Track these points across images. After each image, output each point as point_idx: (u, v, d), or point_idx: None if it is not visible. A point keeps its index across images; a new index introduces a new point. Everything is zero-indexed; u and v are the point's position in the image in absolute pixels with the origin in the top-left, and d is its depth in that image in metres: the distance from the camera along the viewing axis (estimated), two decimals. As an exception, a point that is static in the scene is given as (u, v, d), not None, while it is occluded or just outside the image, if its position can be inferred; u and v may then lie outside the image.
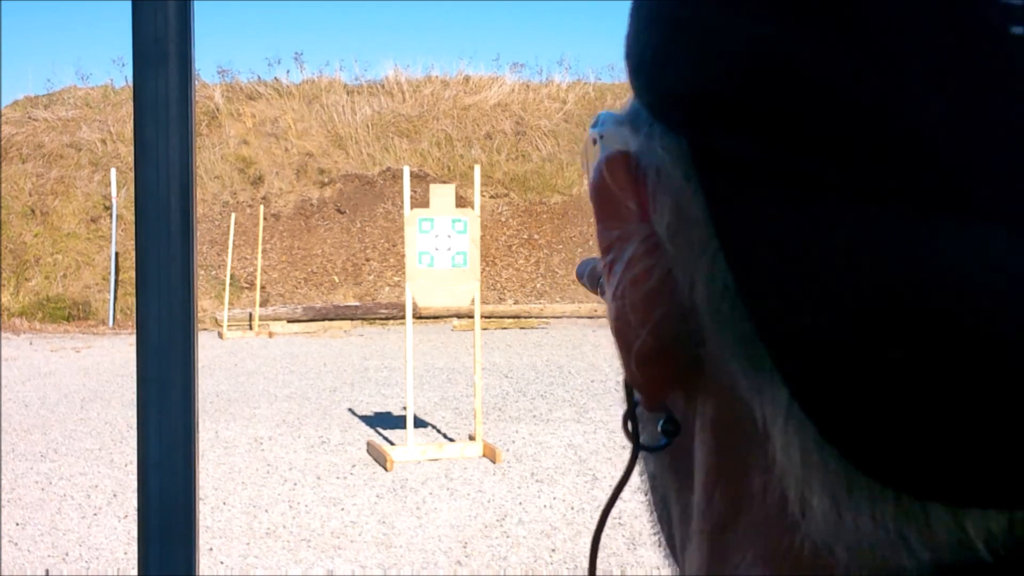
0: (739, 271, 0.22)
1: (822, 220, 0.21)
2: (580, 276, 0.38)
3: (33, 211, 17.42)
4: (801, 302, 0.21)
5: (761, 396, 0.23)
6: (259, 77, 21.51)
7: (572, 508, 5.20)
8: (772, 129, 0.22)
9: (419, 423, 7.19)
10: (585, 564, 4.40)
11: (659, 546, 0.35)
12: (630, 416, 0.29)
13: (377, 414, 7.86)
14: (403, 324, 7.76)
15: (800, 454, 0.23)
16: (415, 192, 12.32)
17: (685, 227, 0.25)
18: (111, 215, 16.79)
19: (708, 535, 0.27)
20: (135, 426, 1.09)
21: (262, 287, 15.80)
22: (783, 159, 0.22)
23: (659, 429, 0.29)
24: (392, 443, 6.58)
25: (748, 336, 0.23)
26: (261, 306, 15.14)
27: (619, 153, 0.27)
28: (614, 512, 5.48)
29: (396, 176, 18.36)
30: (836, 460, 0.22)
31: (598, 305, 16.51)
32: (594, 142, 0.30)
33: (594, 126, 0.31)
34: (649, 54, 0.26)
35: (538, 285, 17.20)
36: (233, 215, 15.97)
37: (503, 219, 18.41)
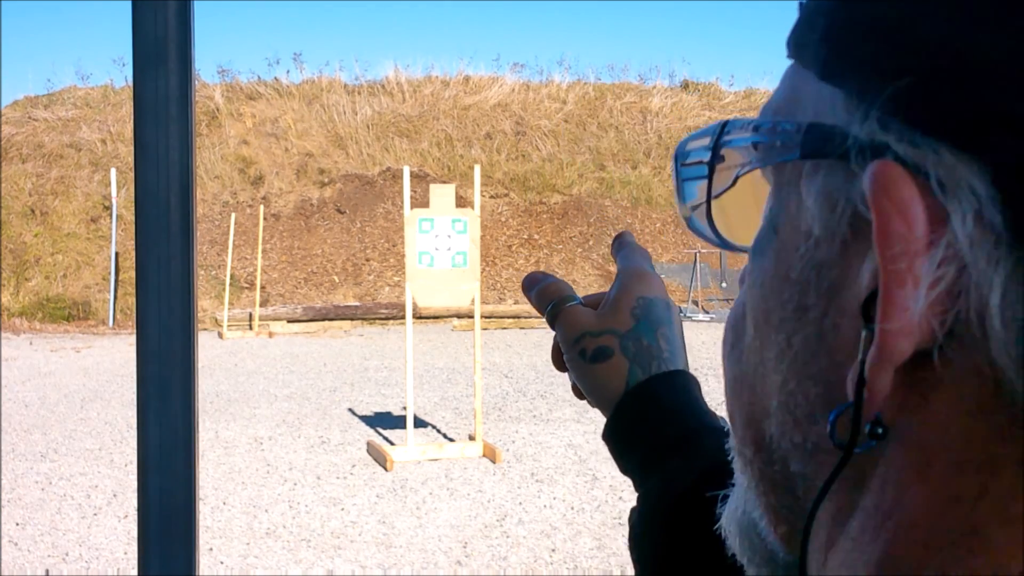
0: None
1: None
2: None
3: (33, 211, 17.41)
4: None
5: None
6: (259, 77, 21.52)
7: (572, 508, 5.20)
8: None
9: (419, 423, 7.19)
10: (585, 564, 4.40)
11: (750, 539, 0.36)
12: (855, 417, 0.30)
13: (377, 414, 7.86)
14: (403, 324, 7.75)
15: None
16: (415, 192, 12.32)
17: (985, 237, 0.26)
18: (111, 215, 16.79)
19: (891, 532, 0.29)
20: (135, 426, 1.09)
21: (262, 287, 15.80)
22: None
23: (866, 432, 0.29)
24: (392, 443, 6.58)
25: None
26: (261, 306, 15.13)
27: (894, 163, 0.28)
28: (614, 512, 5.51)
29: (396, 176, 18.35)
30: None
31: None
32: (756, 146, 0.32)
33: (750, 130, 0.33)
34: (936, 76, 0.27)
35: (538, 285, 17.18)
36: (233, 215, 15.97)
37: (503, 219, 18.40)
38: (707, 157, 0.35)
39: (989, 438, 0.27)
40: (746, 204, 0.36)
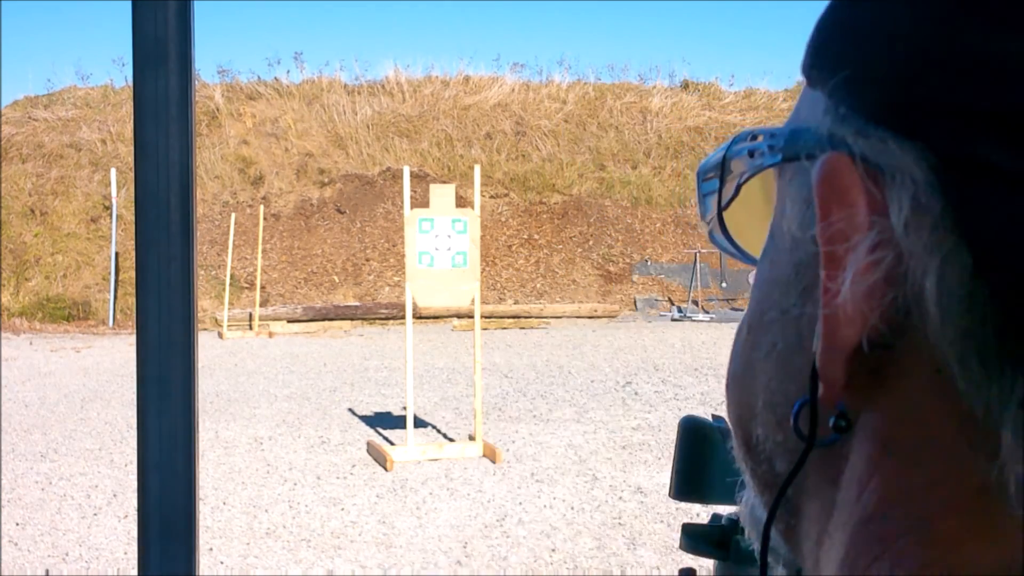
0: (984, 268, 0.25)
1: None
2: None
3: (33, 211, 17.42)
4: None
5: (987, 386, 0.25)
6: (259, 77, 21.51)
7: (572, 508, 5.20)
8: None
9: (419, 423, 7.19)
10: (585, 564, 4.40)
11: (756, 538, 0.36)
12: (812, 408, 0.30)
13: (377, 414, 7.86)
14: (403, 324, 7.76)
15: None
16: (415, 192, 12.31)
17: (921, 223, 0.27)
18: (111, 215, 16.79)
19: (851, 527, 0.29)
20: (135, 426, 1.10)
21: (262, 287, 15.79)
22: None
23: (831, 425, 0.30)
24: (392, 443, 6.58)
25: (977, 329, 0.25)
26: (261, 306, 15.13)
27: (842, 153, 0.29)
28: (614, 512, 5.50)
29: (396, 176, 18.35)
30: None
31: (597, 305, 16.51)
32: (751, 154, 0.33)
33: (747, 140, 0.33)
34: (882, 67, 0.28)
35: (538, 285, 17.20)
36: (233, 215, 15.97)
37: (503, 219, 18.40)
38: (718, 170, 0.36)
39: (938, 427, 0.27)
40: (761, 215, 0.37)
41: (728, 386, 0.36)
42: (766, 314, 0.33)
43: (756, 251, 0.38)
